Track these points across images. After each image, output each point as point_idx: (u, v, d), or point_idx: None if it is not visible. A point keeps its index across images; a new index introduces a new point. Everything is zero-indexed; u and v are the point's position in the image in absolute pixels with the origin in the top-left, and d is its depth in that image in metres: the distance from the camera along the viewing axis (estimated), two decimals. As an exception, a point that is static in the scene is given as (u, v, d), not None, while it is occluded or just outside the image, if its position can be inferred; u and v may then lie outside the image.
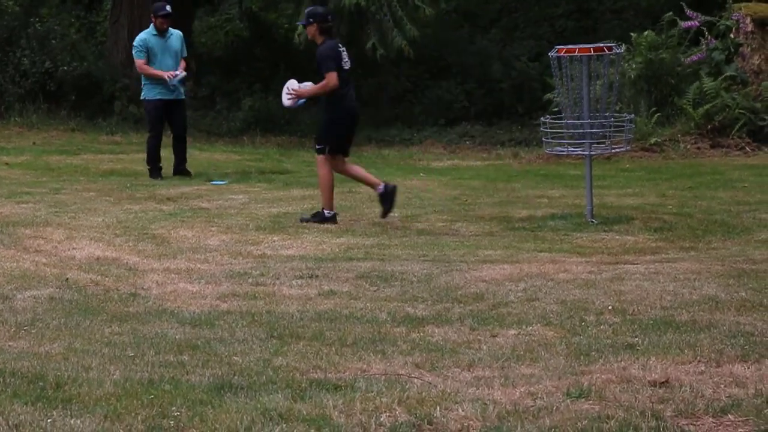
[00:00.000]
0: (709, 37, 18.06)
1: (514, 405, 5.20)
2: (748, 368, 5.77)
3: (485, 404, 5.21)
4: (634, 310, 7.09)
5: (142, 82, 14.45)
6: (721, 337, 6.38)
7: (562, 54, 10.74)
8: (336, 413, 5.12)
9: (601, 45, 11.11)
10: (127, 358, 6.16)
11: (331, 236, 10.26)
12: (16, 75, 21.41)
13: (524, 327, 6.78)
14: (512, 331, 6.70)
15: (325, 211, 11.04)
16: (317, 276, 8.38)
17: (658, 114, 17.55)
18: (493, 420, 5.02)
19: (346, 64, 11.13)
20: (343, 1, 19.09)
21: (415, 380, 5.66)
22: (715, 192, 12.94)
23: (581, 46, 10.93)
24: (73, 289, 7.99)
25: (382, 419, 5.04)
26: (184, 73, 14.33)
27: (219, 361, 6.10)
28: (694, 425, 4.96)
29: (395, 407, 5.19)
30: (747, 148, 16.96)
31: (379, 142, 19.71)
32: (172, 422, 5.03)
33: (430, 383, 5.60)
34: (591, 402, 5.25)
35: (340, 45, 11.22)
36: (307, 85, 11.34)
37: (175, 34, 14.48)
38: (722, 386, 5.47)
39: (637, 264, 8.65)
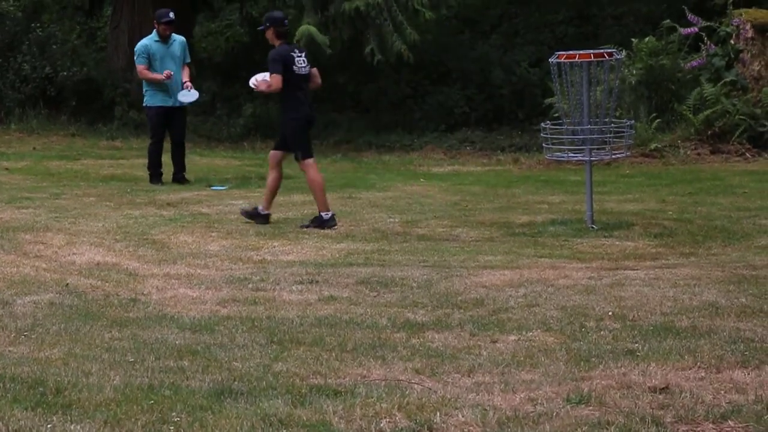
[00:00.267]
0: (709, 43, 18.06)
1: (515, 411, 5.20)
2: (748, 374, 5.77)
3: (485, 410, 5.21)
4: (634, 316, 7.09)
5: (144, 89, 14.45)
6: (722, 343, 6.39)
7: (562, 60, 10.75)
8: (336, 419, 5.12)
9: (602, 51, 11.11)
10: (127, 364, 6.16)
11: (332, 242, 10.26)
12: (17, 80, 21.42)
13: (524, 333, 6.78)
14: (512, 337, 6.70)
15: (323, 214, 11.10)
16: (317, 281, 8.38)
17: (658, 120, 17.55)
18: (493, 426, 5.02)
19: (301, 69, 11.25)
20: (343, 5, 19.09)
21: (415, 386, 5.66)
22: (715, 198, 12.95)
23: (581, 52, 10.93)
24: (73, 295, 7.99)
25: (382, 425, 5.04)
26: (196, 94, 14.33)
27: (219, 366, 6.10)
28: (695, 431, 4.96)
29: (395, 413, 5.19)
30: (747, 154, 16.96)
31: (380, 148, 19.71)
32: (172, 428, 5.03)
33: (430, 389, 5.60)
34: (591, 408, 5.25)
35: (297, 50, 11.39)
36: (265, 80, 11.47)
37: (178, 41, 14.49)
38: (722, 392, 5.48)
39: (637, 270, 8.65)
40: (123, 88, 21.77)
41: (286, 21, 11.52)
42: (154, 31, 14.37)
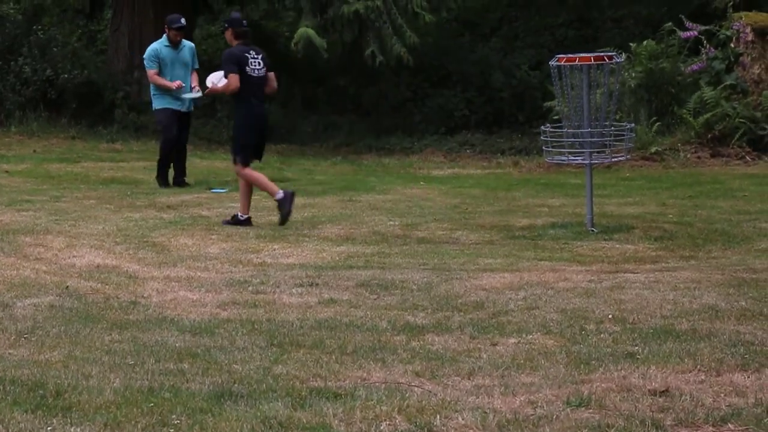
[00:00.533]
0: (709, 47, 18.07)
1: (514, 414, 5.20)
2: (748, 377, 5.77)
3: (485, 413, 5.21)
4: (634, 319, 7.09)
5: (152, 93, 14.42)
6: (721, 346, 6.39)
7: (562, 63, 10.75)
8: (336, 422, 5.12)
9: (602, 54, 11.11)
10: (127, 366, 6.16)
11: (331, 244, 10.27)
12: (17, 83, 21.42)
13: (524, 336, 6.78)
14: (512, 340, 6.70)
15: (277, 195, 11.25)
16: (317, 284, 8.38)
17: (659, 123, 17.55)
18: (493, 429, 5.02)
19: (255, 71, 11.34)
20: (342, 8, 19.10)
21: (415, 389, 5.66)
22: (715, 201, 12.95)
23: (581, 55, 10.94)
24: (73, 297, 7.99)
25: (382, 428, 5.04)
26: (199, 93, 14.33)
27: (219, 369, 6.10)
28: (694, 434, 4.97)
29: (395, 416, 5.19)
30: (747, 158, 16.96)
31: (380, 151, 19.72)
32: (172, 430, 5.03)
33: (430, 392, 5.60)
34: (591, 411, 5.25)
35: (253, 52, 11.43)
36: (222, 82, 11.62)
37: (188, 46, 14.51)
38: (722, 395, 5.48)
39: (637, 273, 8.66)
40: (123, 91, 21.78)
41: (245, 22, 11.63)
42: (164, 35, 14.33)
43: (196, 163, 16.46)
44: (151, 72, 14.24)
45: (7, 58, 21.75)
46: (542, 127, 11.39)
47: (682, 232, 10.74)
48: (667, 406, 5.29)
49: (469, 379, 5.89)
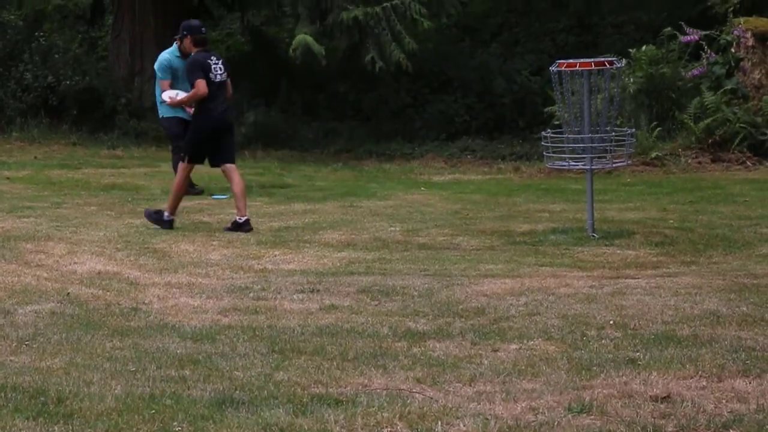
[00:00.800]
0: (710, 52, 18.07)
1: (516, 420, 5.20)
2: (750, 383, 5.78)
3: (486, 419, 5.21)
4: (635, 325, 7.09)
5: (158, 101, 14.40)
6: (723, 352, 6.39)
7: (563, 68, 10.76)
8: (337, 428, 5.12)
9: (602, 59, 11.12)
10: (128, 373, 6.16)
11: (333, 250, 10.27)
12: (18, 89, 21.43)
13: (525, 341, 6.78)
14: (513, 346, 6.70)
15: (166, 213, 11.41)
16: (318, 290, 8.38)
17: (659, 128, 17.55)
18: (494, 435, 5.02)
19: (218, 76, 11.40)
20: (341, 15, 19.11)
21: (417, 395, 5.66)
22: (716, 206, 12.95)
23: (582, 60, 10.94)
24: (75, 304, 8.00)
25: (383, 434, 5.05)
26: None
27: (220, 375, 6.10)
28: (696, 440, 4.97)
29: (396, 422, 5.19)
30: (748, 163, 16.96)
31: (380, 156, 19.72)
32: (173, 437, 5.04)
33: (432, 398, 5.60)
34: (592, 417, 5.25)
35: (214, 57, 11.53)
36: (182, 94, 11.77)
37: None
38: (724, 401, 5.48)
39: (638, 278, 8.66)
40: (124, 98, 21.78)
41: (203, 29, 11.70)
42: (175, 45, 14.27)
43: (197, 169, 16.40)
44: (165, 83, 14.21)
45: (9, 65, 21.75)
46: (543, 133, 11.39)
47: (683, 237, 10.74)
48: (669, 412, 5.29)
49: (471, 385, 5.89)
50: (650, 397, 5.52)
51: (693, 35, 18.15)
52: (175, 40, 14.21)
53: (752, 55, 17.95)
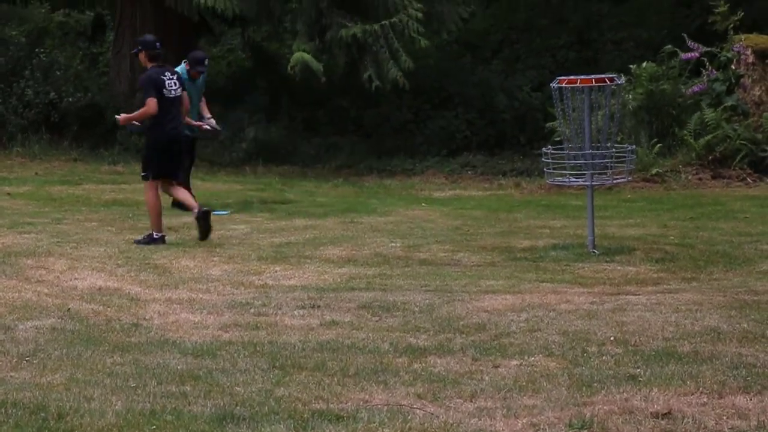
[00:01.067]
0: (710, 68, 18.09)
1: (517, 436, 5.19)
2: (751, 400, 5.77)
3: (487, 435, 5.20)
4: (636, 341, 7.09)
5: None
6: (724, 368, 6.38)
7: (563, 85, 10.78)
8: (338, 444, 5.12)
9: (603, 76, 11.14)
10: (129, 389, 6.16)
11: (333, 266, 10.27)
12: (20, 105, 21.45)
13: (526, 357, 6.78)
14: (514, 362, 6.70)
15: (154, 233, 11.52)
16: (319, 306, 8.38)
17: (660, 145, 17.56)
18: (495, 451, 5.02)
19: (171, 92, 11.59)
20: (340, 32, 19.14)
21: (418, 411, 5.66)
22: (716, 223, 12.95)
23: (583, 77, 10.96)
24: (75, 320, 8.00)
25: (384, 450, 5.04)
26: (219, 128, 14.56)
27: (221, 391, 6.10)
28: (697, 457, 4.96)
29: (397, 438, 5.19)
30: (748, 179, 16.97)
31: (381, 172, 19.73)
32: (174, 453, 5.03)
33: (433, 414, 5.60)
34: (593, 433, 5.24)
35: (168, 73, 11.68)
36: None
37: (202, 76, 14.53)
38: (724, 418, 5.47)
39: (638, 295, 8.65)
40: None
41: (158, 44, 11.82)
42: (183, 67, 14.29)
43: (198, 185, 16.44)
44: None
45: (10, 81, 21.78)
46: (544, 149, 11.40)
47: (683, 253, 10.74)
48: (670, 428, 5.29)
49: (471, 401, 5.89)
50: (651, 413, 5.52)
51: (695, 50, 18.17)
52: (187, 65, 14.22)
53: (752, 71, 17.98)
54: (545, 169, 11.52)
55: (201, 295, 8.90)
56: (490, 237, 12.08)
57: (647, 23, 23.54)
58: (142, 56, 11.77)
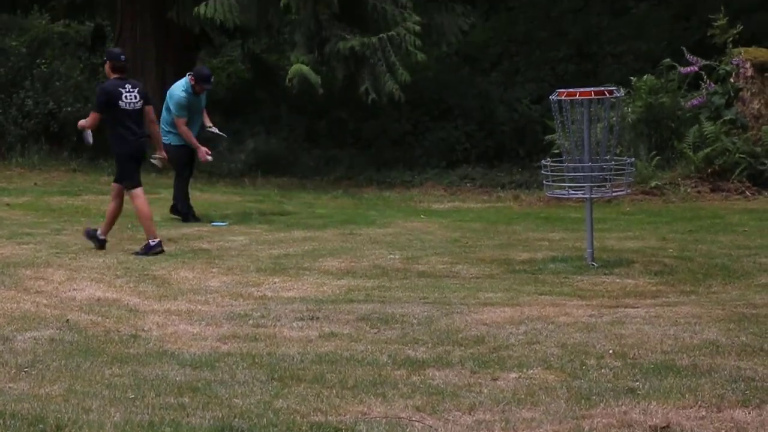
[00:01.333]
0: (709, 82, 18.12)
1: (515, 449, 5.19)
2: (749, 413, 5.77)
3: (486, 448, 5.20)
4: (634, 354, 7.09)
5: (168, 129, 14.42)
6: (722, 381, 6.38)
7: (563, 97, 10.79)
8: (336, 456, 5.11)
9: (602, 89, 11.15)
10: (127, 400, 6.16)
11: (332, 278, 10.27)
12: (19, 116, 21.47)
13: (525, 370, 6.78)
14: (513, 375, 6.70)
15: (150, 241, 11.62)
16: (318, 318, 8.38)
17: (658, 157, 17.58)
18: (493, 464, 5.02)
19: (130, 104, 11.74)
20: (338, 44, 19.17)
21: (416, 423, 5.66)
22: (715, 236, 12.95)
23: (582, 89, 10.97)
24: (74, 331, 7.99)
25: (382, 463, 5.04)
26: (219, 133, 14.63)
27: (220, 403, 6.10)
28: (696, 470, 4.96)
29: (396, 451, 5.19)
30: (747, 193, 16.97)
31: (380, 184, 19.74)
32: (172, 465, 5.03)
33: (431, 427, 5.60)
34: (592, 446, 5.24)
35: (129, 86, 11.82)
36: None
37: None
38: (723, 431, 5.47)
39: (637, 308, 8.66)
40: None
41: (122, 56, 12.06)
42: (187, 81, 14.31)
43: (197, 197, 16.45)
44: (182, 121, 14.28)
45: (10, 91, 21.80)
46: (543, 161, 11.41)
47: (682, 266, 10.74)
48: (668, 441, 5.29)
49: (470, 414, 5.88)
50: (650, 426, 5.52)
51: (694, 63, 18.20)
52: (191, 80, 14.25)
53: (751, 85, 18.00)
54: (544, 182, 11.53)
55: (200, 307, 8.90)
56: (489, 249, 12.08)
57: (646, 36, 23.59)
58: (106, 67, 12.02)
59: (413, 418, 5.76)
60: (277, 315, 8.49)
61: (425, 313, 8.44)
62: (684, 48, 18.46)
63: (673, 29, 23.33)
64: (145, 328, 8.12)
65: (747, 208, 15.76)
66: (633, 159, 11.91)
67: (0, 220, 14.13)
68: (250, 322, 8.31)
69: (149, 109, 11.94)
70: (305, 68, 18.87)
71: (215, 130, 14.64)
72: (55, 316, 8.46)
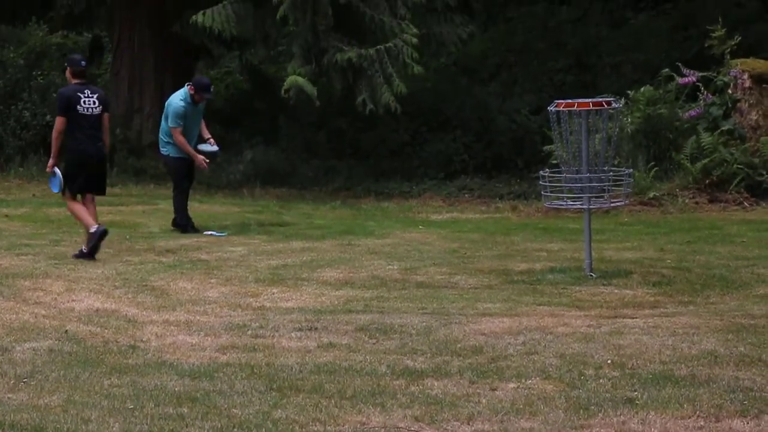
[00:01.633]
0: (707, 93, 18.14)
1: (514, 459, 5.20)
2: (747, 423, 5.78)
3: (485, 458, 5.21)
4: (633, 365, 7.09)
5: (165, 140, 14.44)
6: (720, 392, 6.39)
7: (561, 108, 10.80)
8: (335, 466, 5.12)
9: (600, 99, 11.16)
10: (126, 411, 6.16)
11: (331, 288, 10.28)
12: (18, 127, 21.49)
13: (523, 380, 6.78)
14: (511, 385, 6.70)
15: (90, 229, 11.75)
16: (316, 328, 8.39)
17: (656, 168, 17.60)
18: (492, 474, 5.02)
19: (89, 109, 11.93)
20: (336, 56, 19.20)
21: (415, 434, 5.66)
22: (713, 247, 12.96)
23: (580, 100, 10.98)
24: (73, 341, 8.00)
25: (381, 473, 5.04)
26: (216, 147, 14.61)
27: (218, 413, 6.10)
28: (694, 480, 4.96)
29: (395, 461, 5.19)
30: (745, 203, 16.99)
31: (379, 195, 19.75)
32: (171, 475, 5.03)
33: (430, 437, 5.60)
34: (590, 456, 5.25)
35: (88, 91, 12.02)
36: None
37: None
38: (722, 441, 5.48)
39: (635, 318, 8.66)
40: (123, 135, 21.84)
41: (82, 62, 12.30)
42: (186, 91, 14.32)
43: (195, 207, 16.46)
44: (178, 130, 14.27)
45: (8, 103, 21.82)
46: (541, 172, 11.42)
47: (680, 277, 10.75)
48: (667, 451, 5.29)
49: (469, 424, 5.89)
50: (648, 436, 5.53)
51: (690, 77, 18.24)
52: (191, 89, 14.26)
53: (749, 96, 18.03)
54: (542, 193, 11.54)
55: (198, 317, 8.90)
56: (488, 260, 12.09)
57: (645, 47, 23.63)
58: (67, 72, 12.24)
59: (412, 428, 5.76)
60: (276, 325, 8.50)
61: (424, 324, 8.45)
62: (680, 64, 18.47)
63: (671, 40, 23.38)
64: (144, 339, 8.13)
65: (745, 219, 15.77)
66: (631, 170, 11.92)
67: (-1, 231, 14.14)
68: (249, 332, 8.31)
69: (107, 116, 12.13)
70: (301, 80, 18.90)
71: (208, 146, 14.50)
72: (54, 326, 8.46)
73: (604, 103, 10.88)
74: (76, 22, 24.45)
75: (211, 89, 14.68)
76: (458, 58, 24.37)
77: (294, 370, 7.14)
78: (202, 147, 14.43)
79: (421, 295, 9.97)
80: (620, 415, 5.96)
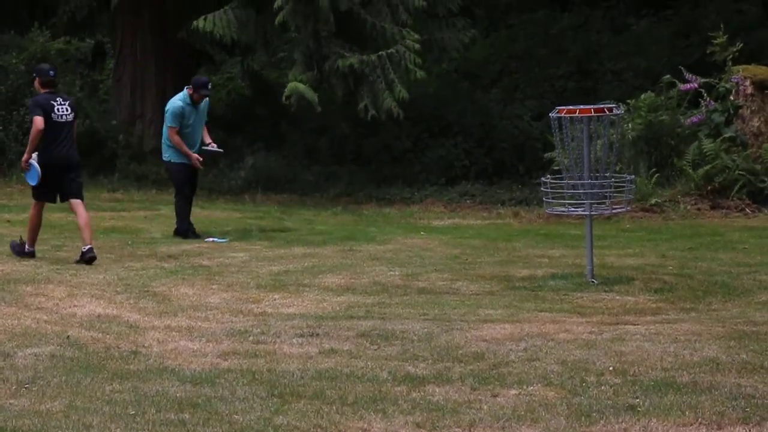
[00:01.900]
0: (709, 99, 18.15)
1: (516, 466, 5.19)
2: (750, 431, 5.77)
3: (486, 465, 5.21)
4: (634, 371, 7.09)
5: (167, 145, 14.44)
6: (722, 399, 6.39)
7: (562, 114, 10.81)
8: (337, 473, 5.12)
9: (602, 106, 11.17)
10: (128, 417, 6.16)
11: (332, 294, 10.28)
12: (20, 133, 21.51)
13: (525, 387, 6.78)
14: (513, 391, 6.70)
15: (26, 247, 12.22)
16: (318, 334, 8.39)
17: (658, 175, 17.60)
18: (494, 481, 5.02)
19: (63, 116, 12.07)
20: (337, 62, 19.21)
21: (416, 440, 5.66)
22: (715, 253, 12.96)
23: (582, 107, 10.99)
24: (74, 347, 8.00)
25: (383, 479, 5.04)
26: (220, 150, 14.65)
27: (220, 419, 6.10)
28: (696, 487, 4.96)
29: (396, 467, 5.19)
30: (747, 210, 16.99)
31: (380, 201, 19.76)
32: (172, 481, 5.03)
33: (431, 443, 5.60)
34: (592, 463, 5.24)
35: (60, 99, 12.17)
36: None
37: (204, 102, 14.55)
38: (723, 448, 5.48)
39: (637, 325, 8.66)
40: (125, 141, 21.85)
41: (51, 72, 12.36)
42: (186, 93, 14.34)
43: (197, 213, 16.47)
44: (173, 130, 14.29)
45: (10, 108, 21.84)
46: (542, 178, 11.42)
47: (682, 284, 10.75)
48: (669, 458, 5.29)
49: (470, 430, 5.89)
50: (650, 443, 5.52)
51: (692, 82, 18.25)
52: (190, 90, 14.28)
53: (751, 102, 18.03)
54: (544, 199, 11.54)
55: (200, 323, 8.91)
56: (489, 266, 12.10)
57: (646, 53, 23.63)
58: (36, 82, 12.32)
59: (413, 435, 5.77)
60: (277, 331, 8.50)
61: (425, 330, 8.45)
62: (682, 68, 18.49)
63: (672, 47, 23.38)
64: (146, 345, 8.13)
65: (747, 226, 15.77)
66: (633, 176, 11.92)
67: (0, 236, 14.13)
68: (250, 338, 8.31)
69: (76, 123, 12.30)
70: (302, 86, 18.90)
71: (212, 147, 14.57)
72: (56, 332, 8.46)
73: (605, 110, 10.89)
74: (78, 28, 24.48)
75: (209, 86, 14.63)
76: (460, 64, 24.37)
77: (295, 376, 7.14)
78: (206, 148, 14.50)
79: (423, 301, 9.98)
80: (622, 422, 5.96)
